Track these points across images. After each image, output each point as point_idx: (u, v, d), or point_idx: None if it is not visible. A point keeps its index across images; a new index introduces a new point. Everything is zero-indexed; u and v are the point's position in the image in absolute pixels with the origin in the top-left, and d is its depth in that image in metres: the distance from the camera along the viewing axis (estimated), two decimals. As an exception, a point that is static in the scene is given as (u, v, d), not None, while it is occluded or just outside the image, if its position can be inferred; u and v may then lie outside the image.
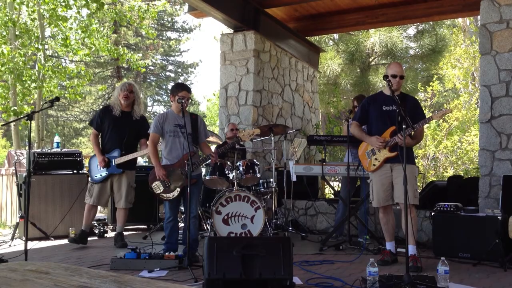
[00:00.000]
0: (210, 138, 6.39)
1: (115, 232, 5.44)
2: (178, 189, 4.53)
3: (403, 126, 3.77)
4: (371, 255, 4.49)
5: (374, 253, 4.86)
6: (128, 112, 5.28)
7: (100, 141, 5.37)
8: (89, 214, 5.32)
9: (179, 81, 33.20)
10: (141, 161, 23.11)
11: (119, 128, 5.21)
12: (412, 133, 4.36)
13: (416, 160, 9.31)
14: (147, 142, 4.84)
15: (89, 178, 5.39)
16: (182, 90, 4.56)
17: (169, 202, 4.63)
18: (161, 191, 4.55)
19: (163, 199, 4.65)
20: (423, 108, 10.30)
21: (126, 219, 5.42)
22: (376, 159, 4.44)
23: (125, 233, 6.32)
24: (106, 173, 5.20)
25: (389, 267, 4.27)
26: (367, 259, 3.57)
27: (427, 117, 4.42)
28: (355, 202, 5.60)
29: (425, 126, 4.46)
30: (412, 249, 4.15)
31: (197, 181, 4.60)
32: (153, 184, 4.57)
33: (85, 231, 5.28)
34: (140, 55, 14.32)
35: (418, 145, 9.61)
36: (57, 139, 6.34)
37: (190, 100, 4.63)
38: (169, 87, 34.34)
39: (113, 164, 5.18)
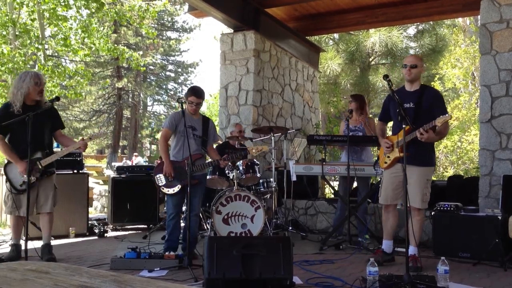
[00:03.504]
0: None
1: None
2: (179, 185, 4.59)
3: (403, 126, 3.76)
4: (370, 255, 4.49)
5: (374, 252, 4.86)
6: (33, 106, 4.37)
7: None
8: (17, 227, 4.51)
9: (180, 81, 33.28)
10: (141, 161, 22.96)
11: (33, 125, 4.15)
12: (437, 127, 4.06)
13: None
14: (159, 137, 4.87)
15: (10, 188, 4.43)
16: (191, 95, 4.67)
17: (171, 199, 4.70)
18: (163, 184, 4.65)
19: (163, 192, 4.77)
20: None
21: (52, 226, 4.64)
22: (388, 157, 4.41)
23: (125, 232, 6.35)
24: (34, 179, 4.37)
25: (389, 266, 4.27)
26: (367, 259, 3.57)
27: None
28: (352, 202, 5.59)
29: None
30: (412, 250, 4.14)
31: (200, 181, 4.65)
32: (157, 176, 4.66)
33: (18, 245, 4.52)
34: (141, 53, 14.30)
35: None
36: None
37: (200, 105, 4.72)
38: (169, 86, 34.47)
39: (40, 167, 4.38)
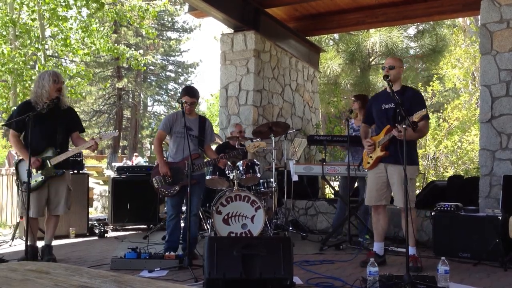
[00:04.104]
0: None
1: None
2: (177, 187, 4.60)
3: (403, 126, 3.77)
4: (363, 258, 4.49)
5: (366, 254, 4.85)
6: (55, 105, 4.39)
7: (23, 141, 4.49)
8: (32, 228, 4.40)
9: (180, 82, 33.28)
10: (141, 161, 22.95)
11: (46, 123, 4.34)
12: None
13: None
14: (155, 139, 4.90)
15: (20, 187, 4.42)
16: (184, 94, 4.66)
17: (171, 200, 4.71)
18: (161, 186, 4.64)
19: (162, 194, 4.79)
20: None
21: (56, 228, 4.62)
22: (371, 157, 4.45)
23: (125, 233, 6.35)
24: (42, 178, 4.34)
25: (389, 266, 4.27)
26: (363, 260, 3.57)
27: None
28: (353, 202, 5.59)
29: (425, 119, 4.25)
30: (411, 250, 4.15)
31: (198, 181, 4.64)
32: (154, 178, 4.66)
33: (35, 246, 4.49)
34: (141, 51, 14.31)
35: (418, 144, 9.61)
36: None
37: (195, 104, 4.71)
38: (169, 87, 34.49)
39: (49, 165, 4.35)
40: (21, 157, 4.47)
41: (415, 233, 4.31)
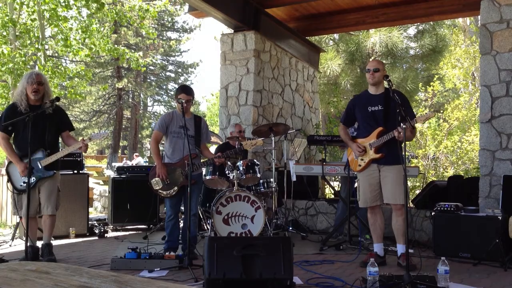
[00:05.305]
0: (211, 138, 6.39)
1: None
2: (176, 188, 4.59)
3: (404, 126, 3.78)
4: (364, 258, 4.49)
5: (367, 255, 4.85)
6: (39, 106, 4.40)
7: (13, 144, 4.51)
8: (31, 229, 4.34)
9: (180, 82, 33.28)
10: (141, 161, 22.94)
11: (36, 125, 4.29)
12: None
13: (416, 160, 9.32)
14: (151, 140, 4.89)
15: (12, 189, 4.47)
16: (181, 92, 4.64)
17: (169, 200, 4.70)
18: (160, 187, 4.64)
19: (161, 196, 4.78)
20: (424, 109, 10.32)
21: (53, 228, 4.61)
22: (362, 159, 4.44)
23: (125, 233, 6.35)
24: (33, 180, 4.33)
25: (389, 267, 4.27)
26: (363, 260, 3.57)
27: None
28: (353, 202, 5.59)
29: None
30: (401, 248, 4.24)
31: (196, 181, 4.64)
32: (153, 180, 4.65)
33: (36, 246, 4.51)
34: (141, 53, 14.29)
35: (418, 144, 9.61)
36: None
37: (191, 102, 4.70)
38: (169, 87, 34.47)
39: (40, 167, 4.36)
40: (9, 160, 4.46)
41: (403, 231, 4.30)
